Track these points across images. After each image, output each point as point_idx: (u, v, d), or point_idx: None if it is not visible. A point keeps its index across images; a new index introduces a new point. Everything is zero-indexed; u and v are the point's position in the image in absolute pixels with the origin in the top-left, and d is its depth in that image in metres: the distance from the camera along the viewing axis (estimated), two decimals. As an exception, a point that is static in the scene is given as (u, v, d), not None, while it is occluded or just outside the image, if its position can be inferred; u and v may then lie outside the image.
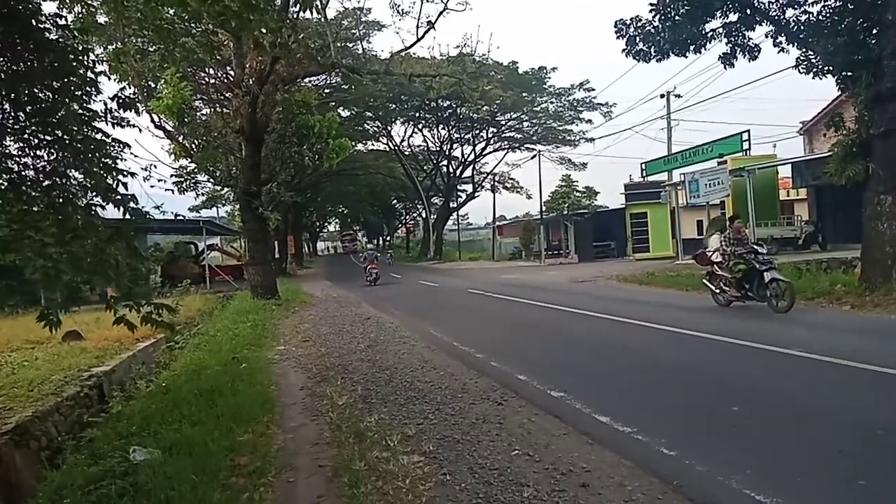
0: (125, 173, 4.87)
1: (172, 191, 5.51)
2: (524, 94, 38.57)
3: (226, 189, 30.06)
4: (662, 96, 33.14)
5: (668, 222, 30.04)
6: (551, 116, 41.75)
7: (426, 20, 17.01)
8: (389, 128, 44.34)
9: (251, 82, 15.83)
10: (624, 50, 14.68)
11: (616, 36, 14.59)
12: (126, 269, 4.74)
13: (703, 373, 6.70)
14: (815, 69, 13.51)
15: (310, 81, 24.96)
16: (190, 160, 19.11)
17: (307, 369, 8.10)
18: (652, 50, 14.41)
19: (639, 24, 14.33)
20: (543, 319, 11.95)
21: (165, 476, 4.10)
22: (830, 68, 13.20)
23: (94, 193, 4.73)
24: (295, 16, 14.37)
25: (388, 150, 47.03)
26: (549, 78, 39.29)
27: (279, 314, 14.74)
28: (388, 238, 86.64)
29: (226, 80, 18.25)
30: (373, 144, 46.05)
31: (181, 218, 12.73)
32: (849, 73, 12.76)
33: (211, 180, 25.48)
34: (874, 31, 12.24)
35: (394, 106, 39.20)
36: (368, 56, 26.64)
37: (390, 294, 19.64)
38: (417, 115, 42.25)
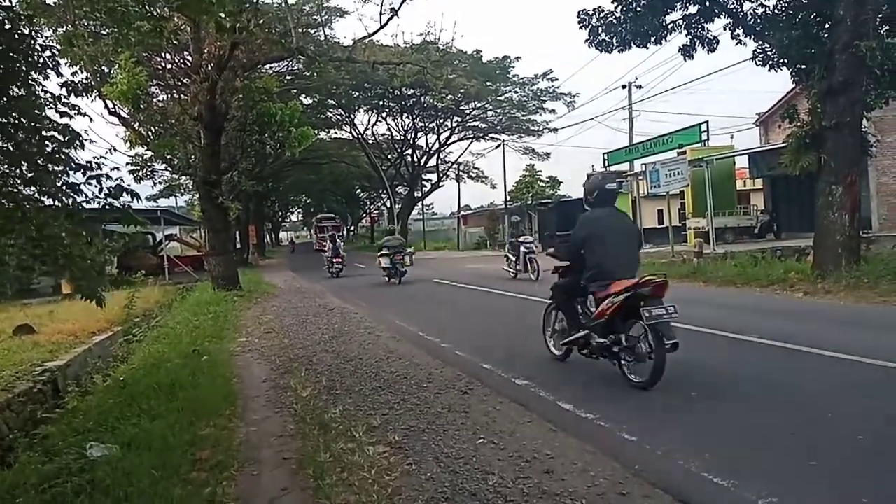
0: (74, 165, 4.71)
1: (121, 193, 5.23)
2: (488, 84, 38.55)
3: (184, 178, 29.33)
4: (624, 87, 33.59)
5: (630, 211, 30.53)
6: (515, 106, 41.86)
7: (389, 7, 16.81)
8: (353, 116, 43.84)
9: (210, 68, 15.43)
10: (587, 40, 14.81)
11: (579, 26, 14.71)
12: (80, 261, 4.60)
13: (662, 359, 6.84)
14: (770, 62, 13.88)
15: (271, 68, 24.45)
16: (146, 148, 18.52)
17: (270, 361, 8.00)
18: (614, 41, 14.58)
19: (601, 15, 14.47)
20: (509, 309, 12.04)
21: (124, 472, 3.99)
22: (785, 61, 13.58)
23: (45, 186, 4.57)
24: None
25: (351, 138, 46.51)
26: (513, 67, 39.38)
27: (241, 305, 14.51)
28: (353, 228, 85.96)
29: (183, 66, 17.73)
30: (336, 133, 45.49)
31: (139, 208, 12.37)
32: (803, 66, 13.15)
33: (169, 169, 24.82)
34: (827, 26, 12.62)
35: (357, 94, 38.73)
36: (331, 43, 26.22)
37: (355, 285, 19.51)
38: (381, 103, 41.85)
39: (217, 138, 16.78)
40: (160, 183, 38.50)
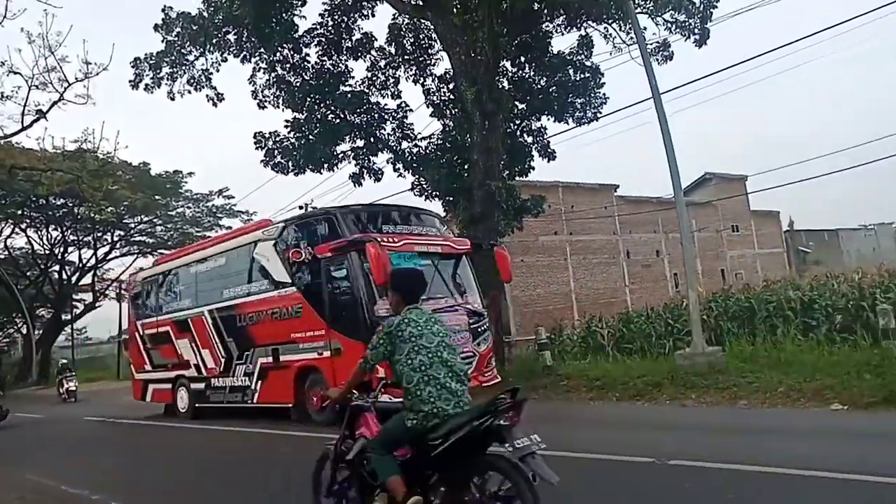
0: None
1: None
2: (157, 198, 36.31)
3: None
4: (301, 208, 35.04)
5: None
6: (188, 222, 40.09)
7: (35, 109, 14.84)
8: (-22, 226, 36.45)
9: None
10: (262, 161, 15.32)
11: (255, 147, 15.19)
12: None
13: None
14: (426, 193, 16.21)
15: None
16: None
17: None
18: (290, 164, 15.39)
19: (277, 139, 15.21)
20: (177, 440, 10.83)
21: None
22: (437, 193, 15.99)
23: None
24: None
25: (-25, 252, 38.39)
26: (186, 182, 38.06)
27: None
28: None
29: None
30: (-48, 245, 37.10)
31: None
32: (451, 198, 15.63)
33: None
34: (466, 167, 15.34)
35: (-14, 201, 32.58)
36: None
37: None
38: (21, 212, 35.82)
39: None
40: None
